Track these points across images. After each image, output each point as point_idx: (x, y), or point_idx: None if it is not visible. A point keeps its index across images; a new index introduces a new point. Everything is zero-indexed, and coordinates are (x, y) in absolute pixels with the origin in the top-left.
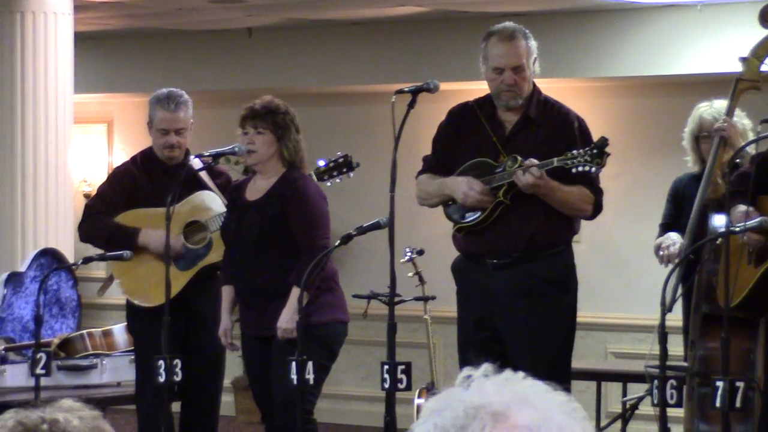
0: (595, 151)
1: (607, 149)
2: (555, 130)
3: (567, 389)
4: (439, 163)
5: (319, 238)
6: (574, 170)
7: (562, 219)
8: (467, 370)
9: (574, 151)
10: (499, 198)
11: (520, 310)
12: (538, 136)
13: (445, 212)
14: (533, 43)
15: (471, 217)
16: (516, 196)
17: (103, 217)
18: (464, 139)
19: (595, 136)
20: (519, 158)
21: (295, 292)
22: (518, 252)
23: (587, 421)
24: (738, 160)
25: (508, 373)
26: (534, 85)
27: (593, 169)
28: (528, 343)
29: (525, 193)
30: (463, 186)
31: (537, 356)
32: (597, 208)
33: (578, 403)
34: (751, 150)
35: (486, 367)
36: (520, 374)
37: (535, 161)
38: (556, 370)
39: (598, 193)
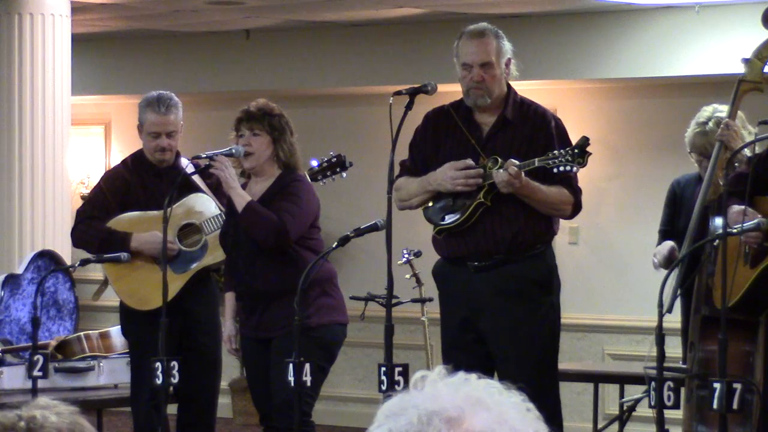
0: (576, 150)
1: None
2: (532, 130)
3: (555, 390)
4: (416, 167)
5: (291, 224)
6: (555, 170)
7: (543, 220)
8: (421, 372)
9: (556, 151)
10: (480, 199)
11: (502, 312)
12: (515, 136)
13: (425, 215)
14: (506, 44)
15: (451, 218)
16: (497, 197)
17: (95, 223)
18: (442, 143)
19: (595, 138)
20: (499, 159)
21: (247, 202)
22: (500, 254)
23: (541, 422)
24: (737, 164)
25: (461, 374)
26: (509, 86)
27: (575, 169)
28: (512, 345)
29: (506, 195)
30: (448, 172)
31: (522, 358)
32: (576, 208)
33: (531, 403)
34: (748, 151)
35: (439, 368)
36: (474, 375)
37: (516, 162)
38: (542, 371)
39: (577, 193)
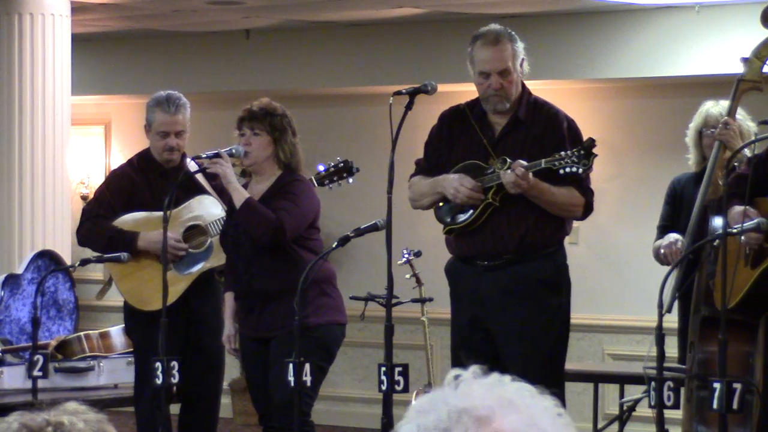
0: (582, 152)
1: (601, 150)
2: (544, 130)
3: (560, 391)
4: (431, 166)
5: (288, 221)
6: (561, 171)
7: (553, 220)
8: (455, 371)
9: (562, 153)
10: (488, 199)
11: (510, 312)
12: (527, 137)
13: (436, 214)
14: (520, 45)
15: (461, 218)
16: (505, 197)
17: (101, 221)
18: (455, 142)
19: (595, 138)
20: (508, 160)
21: (245, 198)
22: (508, 254)
23: (572, 427)
24: (736, 164)
25: (496, 375)
26: (524, 86)
27: (580, 170)
28: (519, 345)
29: (515, 195)
30: (455, 182)
31: (528, 358)
32: (587, 210)
33: (563, 408)
34: (748, 151)
35: (474, 368)
36: (508, 377)
37: (523, 162)
38: (548, 372)
39: (588, 194)
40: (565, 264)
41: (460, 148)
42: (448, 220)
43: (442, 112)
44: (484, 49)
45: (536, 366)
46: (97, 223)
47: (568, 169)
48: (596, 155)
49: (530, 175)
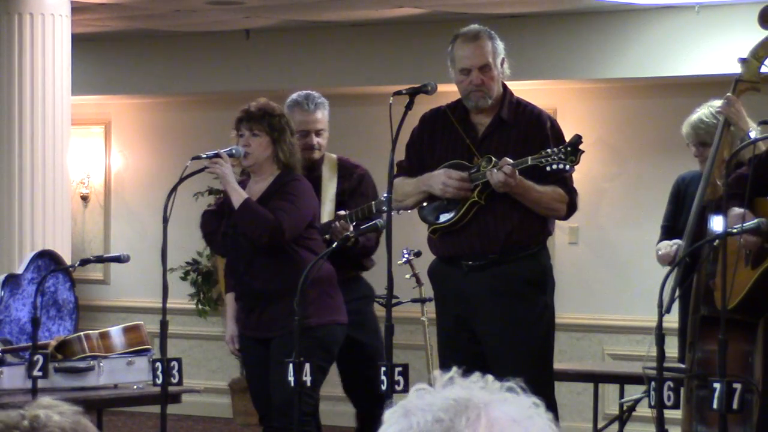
0: (569, 148)
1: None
2: (528, 130)
3: (550, 391)
4: (413, 167)
5: (286, 222)
6: (548, 168)
7: (537, 220)
8: (436, 373)
9: (548, 150)
10: (474, 198)
11: (496, 312)
12: (511, 137)
13: (420, 214)
14: (500, 44)
15: (445, 217)
16: (491, 196)
17: (210, 216)
18: (437, 143)
19: (596, 138)
20: (493, 159)
21: (244, 199)
22: (494, 253)
23: (553, 422)
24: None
25: (476, 375)
26: (505, 86)
27: (567, 167)
28: (506, 345)
29: (500, 194)
30: (441, 177)
31: (516, 358)
32: (571, 209)
33: (554, 410)
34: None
35: (454, 370)
36: (490, 377)
37: (509, 160)
38: (537, 371)
39: (572, 193)
40: (550, 264)
41: (443, 148)
42: (432, 219)
43: (423, 113)
44: (464, 46)
45: (524, 366)
46: (208, 216)
47: (555, 166)
48: (583, 151)
49: (516, 172)
